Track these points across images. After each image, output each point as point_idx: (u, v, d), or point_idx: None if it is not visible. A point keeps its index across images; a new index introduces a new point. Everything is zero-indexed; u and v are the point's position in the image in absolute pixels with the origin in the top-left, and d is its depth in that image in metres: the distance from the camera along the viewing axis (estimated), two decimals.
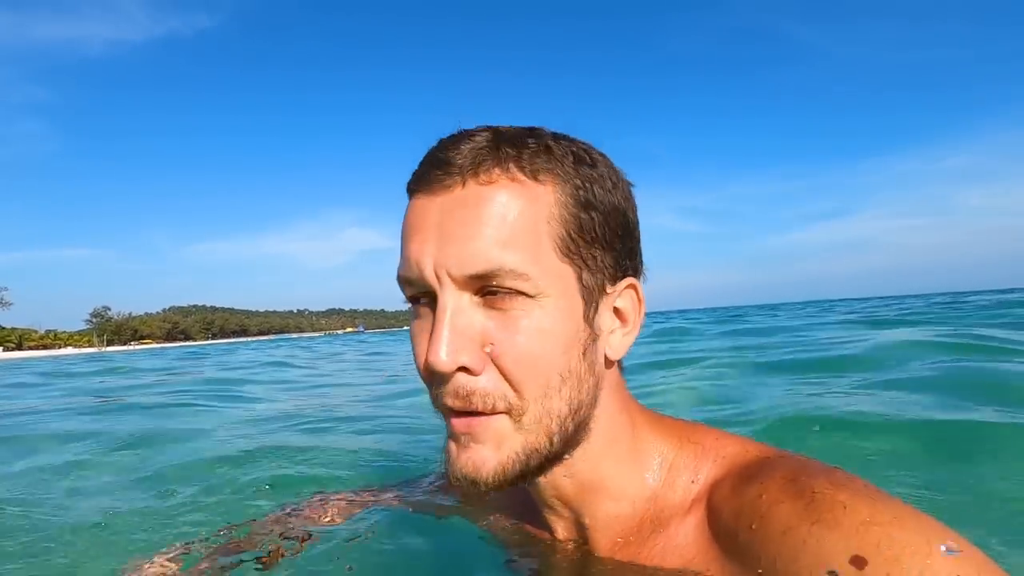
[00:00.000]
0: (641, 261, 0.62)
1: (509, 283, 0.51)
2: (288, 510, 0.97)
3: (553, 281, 0.53)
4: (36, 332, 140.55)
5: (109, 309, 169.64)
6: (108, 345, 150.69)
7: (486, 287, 0.52)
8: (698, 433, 0.64)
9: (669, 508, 0.59)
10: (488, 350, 0.53)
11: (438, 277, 0.53)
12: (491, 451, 0.55)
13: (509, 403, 0.54)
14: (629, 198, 0.60)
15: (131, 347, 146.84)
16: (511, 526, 0.79)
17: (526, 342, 0.52)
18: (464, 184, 0.53)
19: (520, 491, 0.66)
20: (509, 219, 0.52)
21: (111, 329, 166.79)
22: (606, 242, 0.56)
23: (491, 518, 0.83)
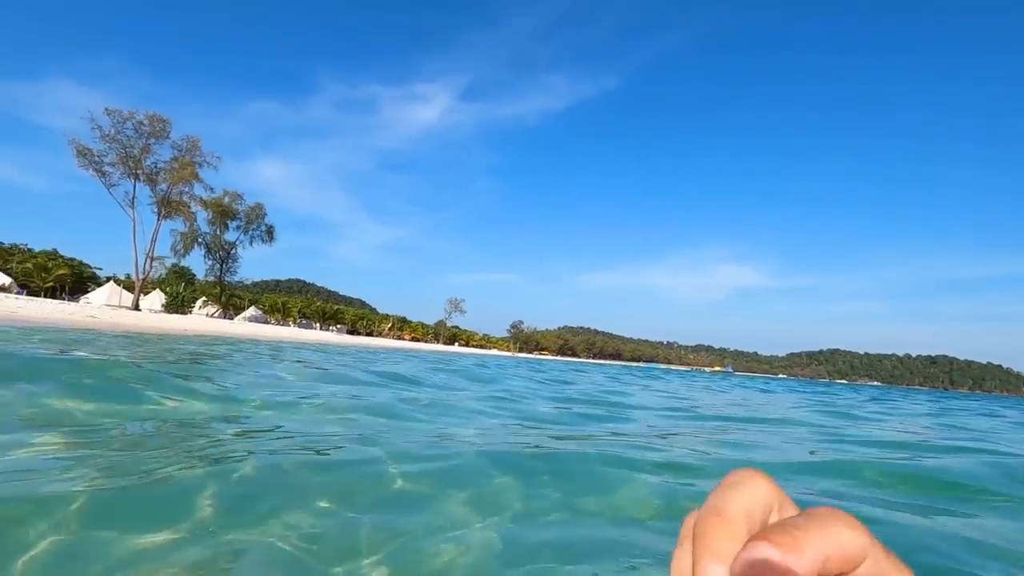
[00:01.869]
0: None
1: None
2: None
3: None
4: (477, 335, 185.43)
5: (522, 322, 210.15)
6: (519, 351, 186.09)
7: None
8: None
9: None
10: None
11: None
12: None
13: None
14: None
15: (534, 355, 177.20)
16: None
17: None
18: None
19: None
20: None
21: (522, 339, 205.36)
22: None
23: None
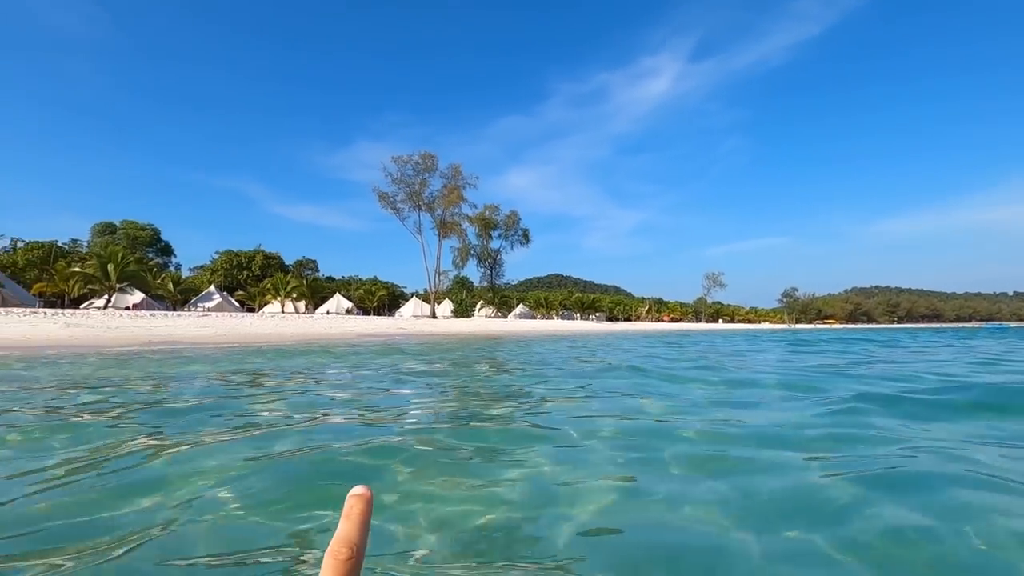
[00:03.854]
0: None
1: None
2: None
3: None
4: (743, 308, 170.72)
5: (796, 290, 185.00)
6: (796, 323, 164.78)
7: None
8: None
9: None
10: None
11: None
12: None
13: None
14: None
15: (816, 325, 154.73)
16: None
17: None
18: None
19: None
20: None
21: (798, 308, 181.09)
22: None
23: None
